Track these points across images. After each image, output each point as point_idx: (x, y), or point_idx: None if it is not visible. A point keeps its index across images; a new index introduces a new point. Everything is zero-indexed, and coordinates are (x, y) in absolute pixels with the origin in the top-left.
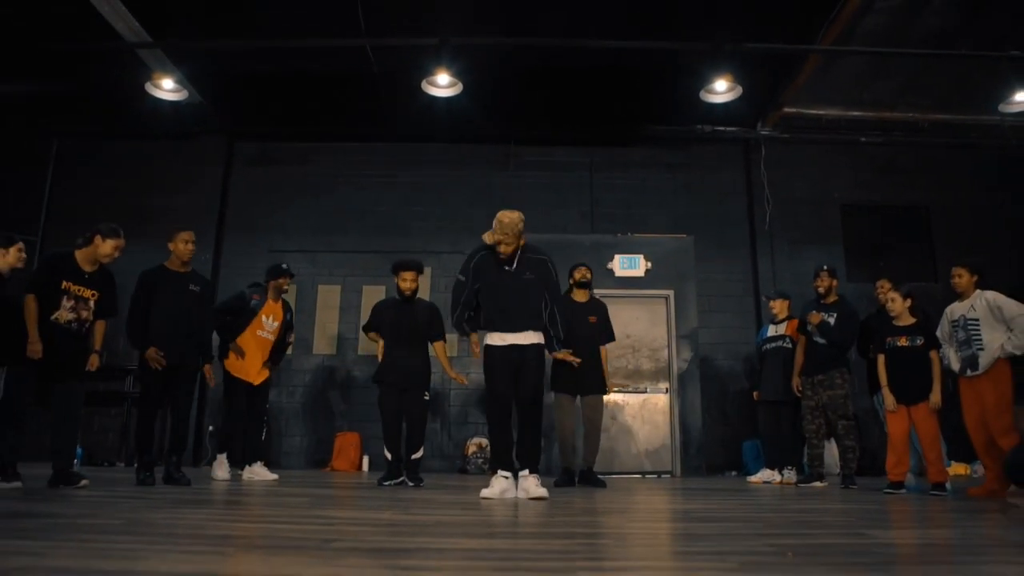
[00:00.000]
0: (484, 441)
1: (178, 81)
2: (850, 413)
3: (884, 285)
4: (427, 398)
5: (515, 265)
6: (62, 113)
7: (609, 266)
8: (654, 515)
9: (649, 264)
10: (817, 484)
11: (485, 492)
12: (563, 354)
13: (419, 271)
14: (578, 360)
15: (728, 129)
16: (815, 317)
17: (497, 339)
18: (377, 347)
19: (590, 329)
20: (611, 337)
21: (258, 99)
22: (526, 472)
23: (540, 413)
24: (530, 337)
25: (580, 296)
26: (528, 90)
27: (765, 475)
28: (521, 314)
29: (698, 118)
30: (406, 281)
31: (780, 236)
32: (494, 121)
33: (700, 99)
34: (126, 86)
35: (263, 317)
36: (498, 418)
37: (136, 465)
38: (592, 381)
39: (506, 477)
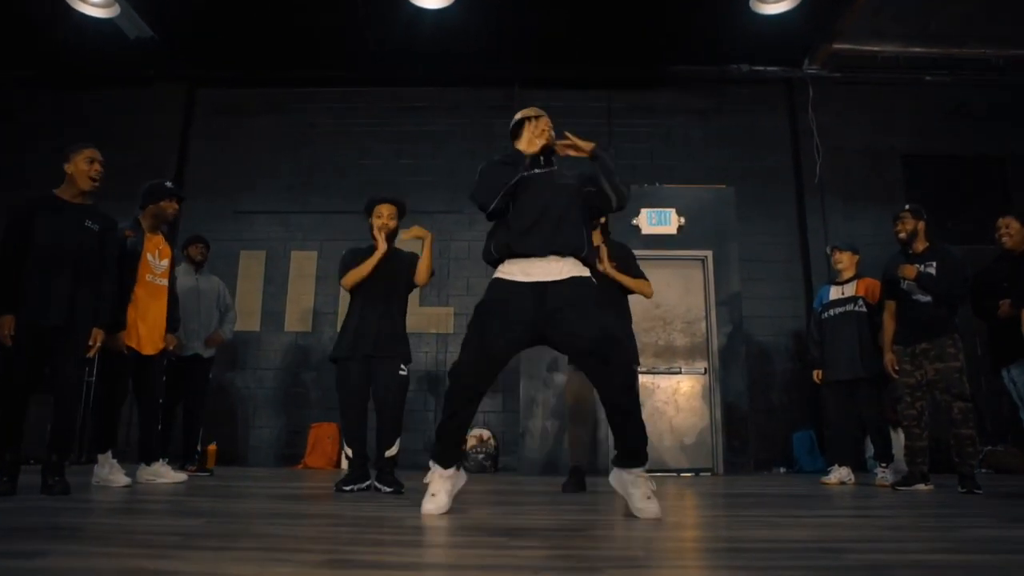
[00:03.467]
0: (486, 433)
1: None
2: (967, 392)
3: (1011, 224)
4: (404, 372)
5: (550, 164)
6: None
7: (635, 222)
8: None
9: (682, 220)
10: (921, 487)
11: (428, 507)
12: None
13: (400, 208)
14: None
15: (769, 69)
16: (909, 269)
17: (514, 271)
18: None
19: (609, 279)
20: (643, 275)
21: (222, 38)
22: (634, 470)
23: (630, 383)
24: (567, 268)
25: (594, 237)
26: (535, 23)
27: (841, 474)
28: (558, 229)
29: (733, 56)
30: (382, 218)
31: (832, 191)
32: (496, 60)
33: (739, 26)
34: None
35: (148, 256)
36: (465, 380)
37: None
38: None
39: (447, 474)
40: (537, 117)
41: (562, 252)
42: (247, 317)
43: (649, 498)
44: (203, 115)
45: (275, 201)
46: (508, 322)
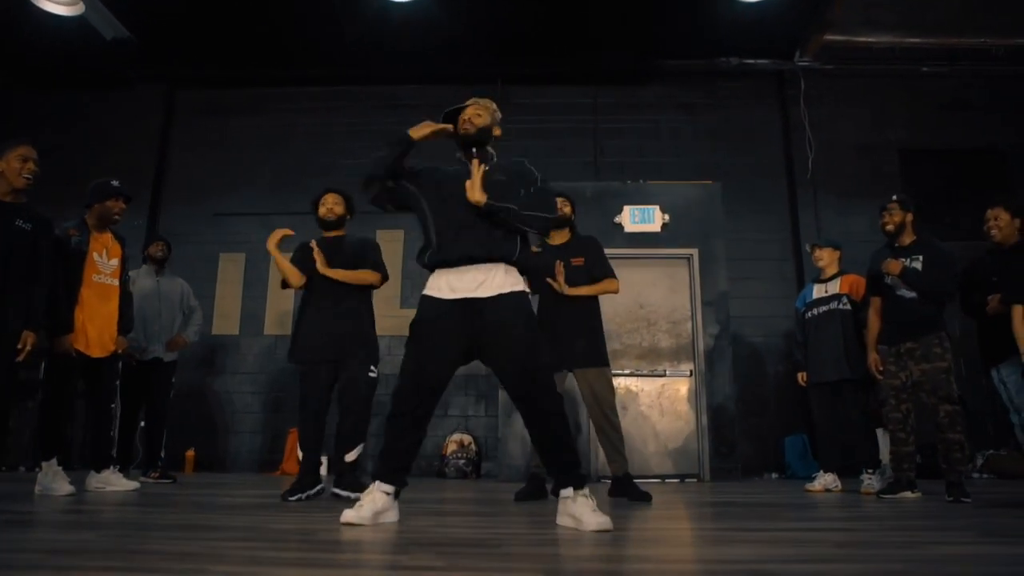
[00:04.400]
0: (467, 438)
1: None
2: (955, 395)
3: (999, 215)
4: (374, 375)
5: (484, 158)
6: None
7: (617, 220)
8: None
9: (667, 217)
10: (908, 495)
11: (349, 514)
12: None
13: (346, 197)
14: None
15: (759, 61)
16: (894, 265)
17: (441, 285)
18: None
19: (576, 276)
20: (611, 273)
21: (201, 38)
22: (570, 491)
23: (557, 410)
24: (498, 280)
25: (557, 237)
26: (517, 17)
27: (827, 481)
28: (484, 235)
29: (722, 49)
30: (326, 205)
31: (825, 187)
32: (479, 56)
33: (728, 17)
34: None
35: (94, 255)
36: (405, 407)
37: None
38: (588, 347)
39: (387, 493)
40: (464, 106)
41: (491, 259)
42: (226, 320)
43: (594, 511)
44: (183, 116)
45: (255, 203)
46: (441, 344)
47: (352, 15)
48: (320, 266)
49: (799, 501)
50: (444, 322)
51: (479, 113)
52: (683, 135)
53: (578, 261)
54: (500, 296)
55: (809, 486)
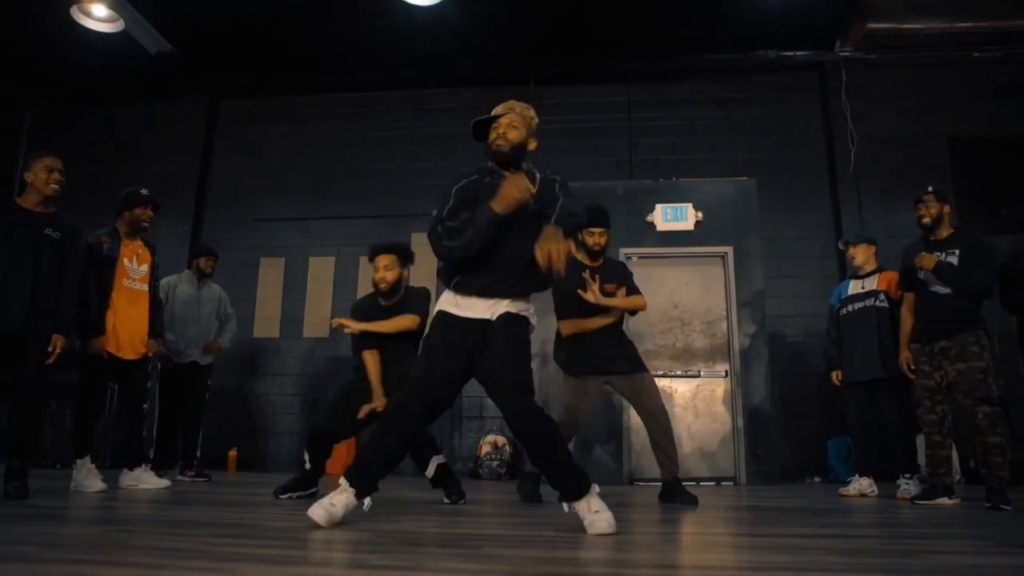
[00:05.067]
0: (501, 439)
1: (112, 7)
2: (994, 395)
3: None
4: None
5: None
6: (34, 80)
7: (649, 219)
8: None
9: (700, 214)
10: (944, 501)
11: (318, 512)
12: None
13: (400, 254)
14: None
15: (798, 53)
16: (927, 260)
17: (453, 304)
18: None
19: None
20: (639, 291)
21: (240, 49)
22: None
23: (541, 421)
24: (505, 303)
25: (592, 263)
26: (549, 17)
27: (862, 485)
28: (506, 268)
29: (758, 42)
30: (378, 271)
31: (869, 181)
32: (510, 58)
33: (765, 9)
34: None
35: (124, 261)
36: (403, 415)
37: None
38: (630, 354)
39: (359, 503)
40: (498, 116)
41: (509, 296)
42: (267, 324)
43: (597, 512)
44: (224, 125)
45: (293, 208)
46: (451, 360)
47: (381, 21)
48: (350, 329)
49: (824, 506)
50: (458, 335)
51: (515, 125)
52: (718, 131)
53: (611, 287)
54: (506, 318)
55: (843, 490)
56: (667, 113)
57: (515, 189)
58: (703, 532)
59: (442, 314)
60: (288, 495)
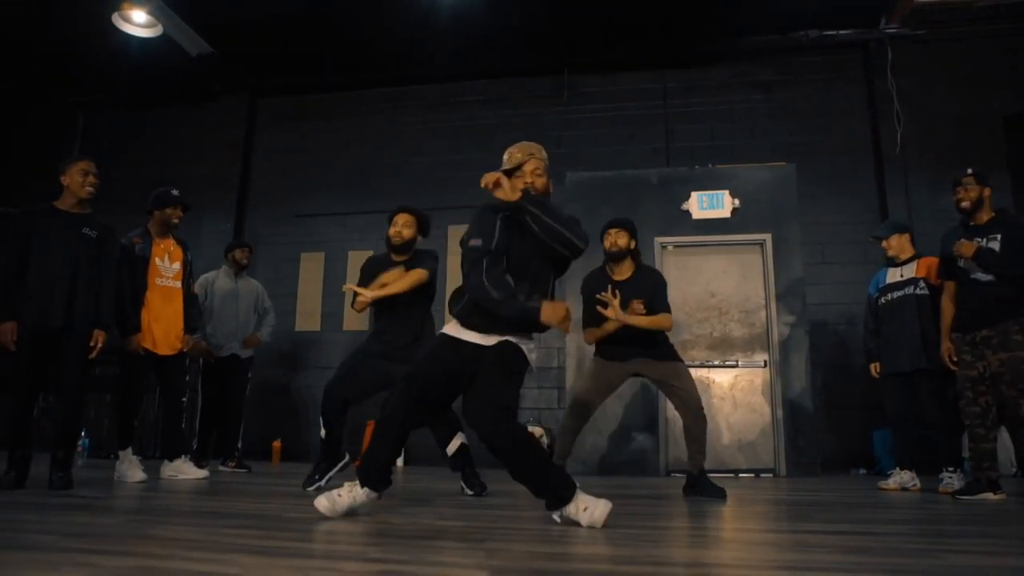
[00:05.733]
0: (539, 430)
1: (152, 12)
2: None
3: None
4: None
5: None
6: (83, 87)
7: (684, 207)
8: None
9: (737, 201)
10: (989, 496)
11: (324, 503)
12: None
13: (419, 217)
14: (619, 314)
15: (840, 32)
16: (966, 247)
17: (455, 329)
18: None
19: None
20: (666, 307)
21: (278, 48)
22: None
23: (516, 437)
24: (500, 337)
25: (619, 272)
26: (583, 6)
27: (903, 479)
28: (507, 321)
29: (799, 22)
30: (395, 226)
31: (916, 162)
32: (544, 48)
33: None
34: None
35: (156, 260)
36: (393, 408)
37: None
38: (659, 344)
39: (368, 497)
40: (521, 164)
41: (504, 333)
42: (308, 317)
43: (586, 508)
44: (264, 124)
45: (332, 203)
46: (443, 365)
47: (413, 15)
48: (362, 298)
49: (858, 500)
50: (448, 352)
51: (539, 173)
52: (758, 115)
53: (639, 303)
54: (499, 342)
55: (883, 484)
56: (704, 99)
57: (557, 320)
58: (713, 528)
59: (443, 335)
60: (315, 485)
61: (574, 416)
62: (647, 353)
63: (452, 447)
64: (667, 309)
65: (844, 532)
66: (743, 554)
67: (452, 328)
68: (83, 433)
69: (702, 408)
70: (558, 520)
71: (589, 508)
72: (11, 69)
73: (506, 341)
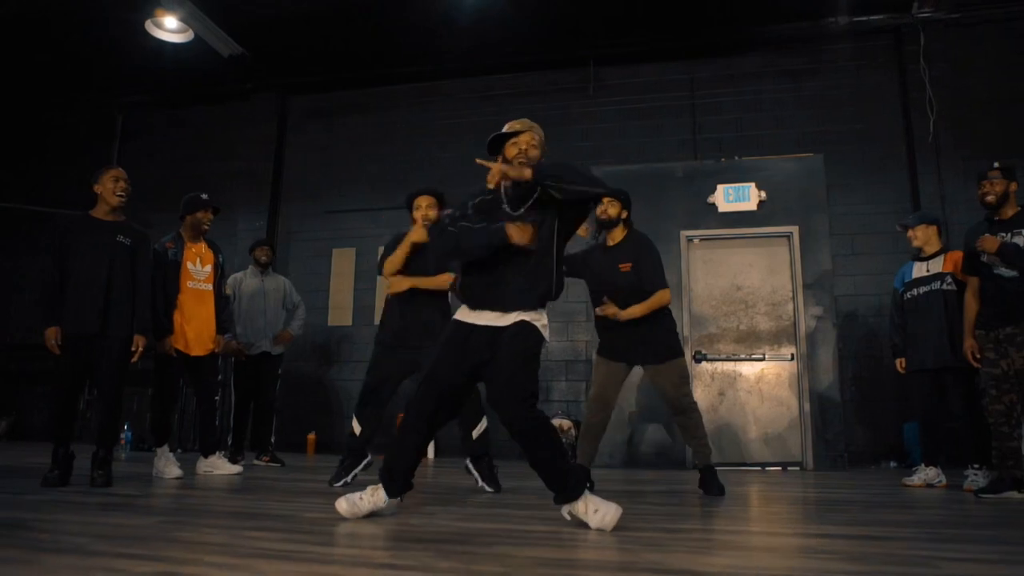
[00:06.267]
0: (567, 423)
1: (183, 19)
2: None
3: None
4: None
5: (524, 207)
6: (122, 89)
7: (710, 200)
8: None
9: (763, 194)
10: (1013, 495)
11: (344, 505)
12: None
13: (439, 198)
14: (617, 312)
15: (871, 18)
16: (990, 242)
17: (467, 314)
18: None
19: (623, 280)
20: (660, 283)
21: (307, 47)
22: (567, 507)
23: (538, 425)
24: (515, 316)
25: (611, 239)
26: None
27: (928, 475)
28: (523, 286)
29: (828, 9)
30: (421, 209)
31: (951, 152)
32: (569, 40)
33: None
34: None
35: (188, 264)
36: (416, 412)
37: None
38: (657, 344)
39: (388, 503)
40: (518, 133)
41: (520, 309)
42: (340, 312)
43: (597, 510)
44: (295, 121)
45: (363, 199)
46: (455, 354)
47: (438, 9)
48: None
49: (877, 498)
50: (471, 339)
51: (534, 144)
52: (786, 105)
53: (625, 267)
54: (515, 323)
55: (907, 480)
56: (732, 88)
57: (525, 239)
58: (719, 530)
59: (455, 321)
60: (342, 481)
61: (593, 414)
62: (643, 353)
63: (477, 431)
64: (660, 284)
65: (851, 536)
66: (740, 561)
67: (464, 313)
68: (126, 427)
69: (684, 402)
70: (568, 518)
71: (600, 511)
72: (52, 74)
73: (521, 321)
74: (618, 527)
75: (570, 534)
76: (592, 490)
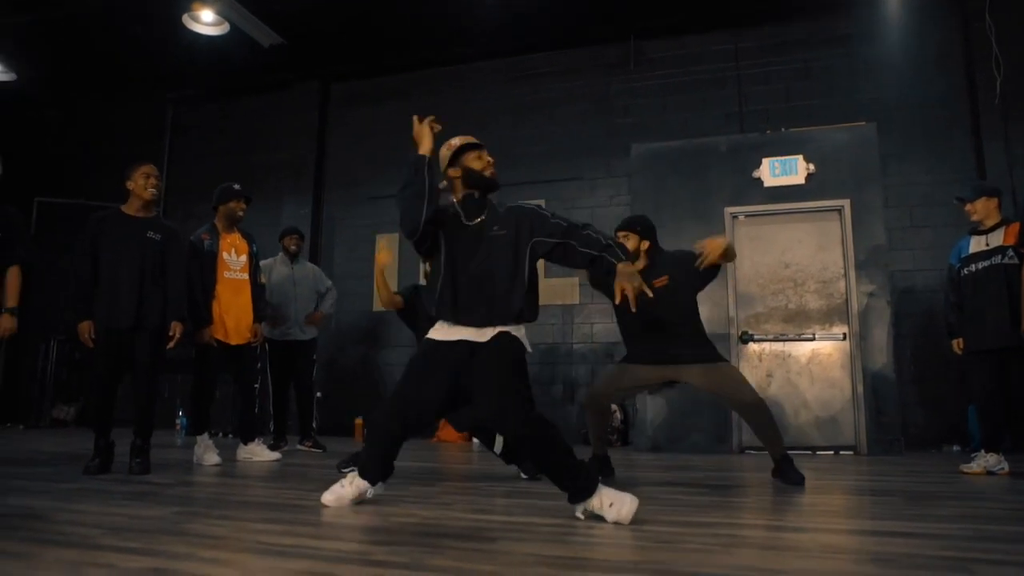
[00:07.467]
0: (612, 406)
1: (220, 12)
2: None
3: None
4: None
5: (479, 217)
6: (172, 82)
7: (755, 174)
8: None
9: (811, 167)
10: None
11: (329, 497)
12: (625, 279)
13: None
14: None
15: None
16: None
17: (441, 332)
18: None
19: (662, 293)
20: (705, 280)
21: (346, 34)
22: (579, 505)
23: (539, 427)
24: (495, 331)
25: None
26: None
27: (989, 462)
28: (496, 300)
29: None
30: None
31: (1019, 113)
32: (608, 15)
33: None
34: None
35: (224, 255)
36: (385, 427)
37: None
38: (695, 345)
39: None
40: (481, 146)
41: (498, 324)
42: None
43: (612, 504)
44: (336, 108)
45: None
46: (431, 373)
47: None
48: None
49: (929, 488)
50: (436, 359)
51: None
52: (838, 72)
53: (661, 282)
54: (495, 336)
55: (965, 467)
56: (779, 57)
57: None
58: (744, 524)
59: (428, 340)
60: (350, 468)
61: (592, 413)
62: (683, 357)
63: (498, 446)
64: (704, 279)
65: (883, 532)
66: (754, 562)
67: (441, 331)
68: (180, 412)
69: (756, 400)
70: (581, 517)
71: (616, 504)
72: (104, 72)
73: (501, 333)
74: (636, 520)
75: (574, 529)
76: (612, 476)
